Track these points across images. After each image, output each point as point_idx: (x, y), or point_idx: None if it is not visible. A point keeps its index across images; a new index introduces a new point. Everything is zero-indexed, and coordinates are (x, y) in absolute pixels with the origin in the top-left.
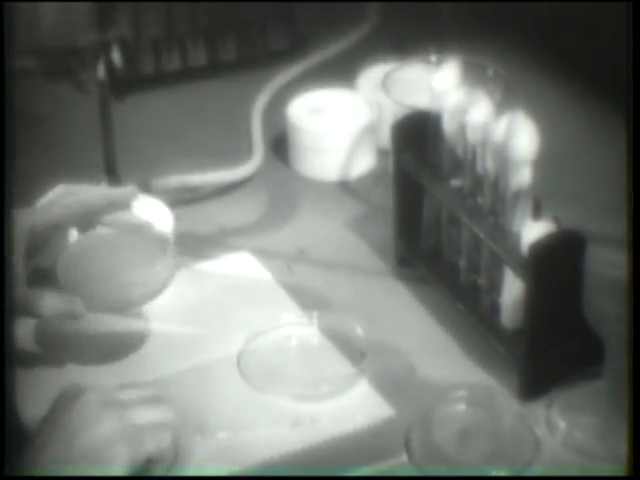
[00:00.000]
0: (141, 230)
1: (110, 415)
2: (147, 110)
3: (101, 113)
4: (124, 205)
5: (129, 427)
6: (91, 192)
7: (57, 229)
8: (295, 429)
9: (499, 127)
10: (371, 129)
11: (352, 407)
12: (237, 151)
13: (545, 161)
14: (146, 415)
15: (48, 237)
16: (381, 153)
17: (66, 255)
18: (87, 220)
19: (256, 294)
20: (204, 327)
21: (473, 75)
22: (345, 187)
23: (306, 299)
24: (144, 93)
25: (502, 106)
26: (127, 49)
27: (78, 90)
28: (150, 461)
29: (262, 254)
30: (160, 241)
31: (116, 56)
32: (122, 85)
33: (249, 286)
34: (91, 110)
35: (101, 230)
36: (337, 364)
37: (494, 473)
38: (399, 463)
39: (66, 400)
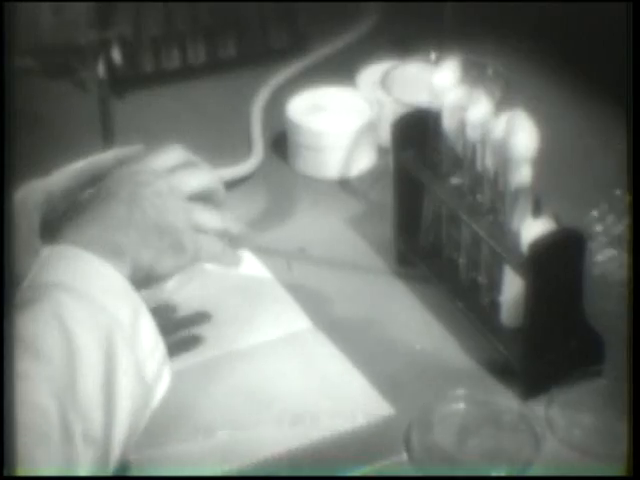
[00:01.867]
0: None
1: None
2: (147, 108)
3: (101, 111)
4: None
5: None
6: (100, 155)
7: (72, 193)
8: (295, 429)
9: (499, 125)
10: (371, 127)
11: (352, 406)
12: (237, 149)
13: (545, 159)
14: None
15: (64, 203)
16: (381, 151)
17: None
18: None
19: (256, 292)
20: (204, 325)
21: (473, 73)
22: (345, 185)
23: (306, 297)
24: (144, 91)
25: (502, 104)
26: (127, 47)
27: (78, 89)
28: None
29: (262, 252)
30: None
31: (116, 54)
32: (122, 83)
33: (249, 284)
34: (91, 108)
35: None
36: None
37: (494, 472)
38: (399, 462)
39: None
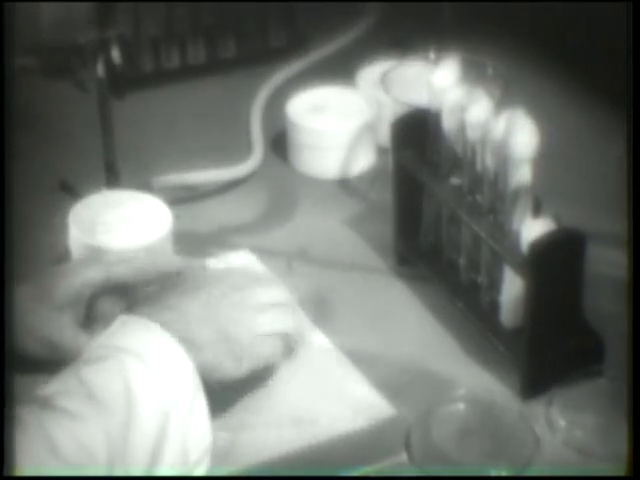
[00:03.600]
0: None
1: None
2: (147, 108)
3: (101, 111)
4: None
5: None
6: (166, 259)
7: (131, 285)
8: (295, 429)
9: (498, 125)
10: (371, 127)
11: (352, 407)
12: (237, 149)
13: (544, 159)
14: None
15: (118, 290)
16: (381, 151)
17: (141, 313)
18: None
19: None
20: None
21: (473, 73)
22: (345, 185)
23: (305, 297)
24: (144, 91)
25: (501, 104)
26: (127, 47)
27: (78, 88)
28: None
29: (262, 252)
30: None
31: (116, 54)
32: (122, 83)
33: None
34: (91, 108)
35: None
36: None
37: (494, 472)
38: (399, 463)
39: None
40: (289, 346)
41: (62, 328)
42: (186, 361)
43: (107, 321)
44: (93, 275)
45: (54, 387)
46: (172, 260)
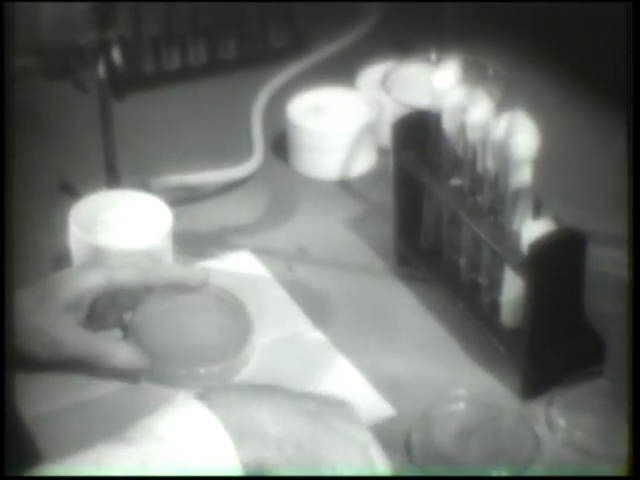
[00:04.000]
0: (225, 303)
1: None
2: (147, 109)
3: (101, 112)
4: (193, 288)
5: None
6: (168, 265)
7: (134, 292)
8: None
9: (499, 126)
10: (371, 128)
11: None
12: (237, 150)
13: (545, 160)
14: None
15: (122, 296)
16: (381, 152)
17: (143, 315)
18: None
19: (256, 293)
20: None
21: (473, 74)
22: (345, 186)
23: (306, 298)
24: (144, 92)
25: (502, 105)
26: (127, 48)
27: (78, 89)
28: None
29: (262, 253)
30: (243, 320)
31: (116, 55)
32: (122, 84)
33: (249, 285)
34: (91, 109)
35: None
36: None
37: (494, 472)
38: (399, 463)
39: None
40: None
41: (65, 330)
42: (235, 464)
43: (107, 322)
44: (97, 279)
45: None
46: (174, 265)
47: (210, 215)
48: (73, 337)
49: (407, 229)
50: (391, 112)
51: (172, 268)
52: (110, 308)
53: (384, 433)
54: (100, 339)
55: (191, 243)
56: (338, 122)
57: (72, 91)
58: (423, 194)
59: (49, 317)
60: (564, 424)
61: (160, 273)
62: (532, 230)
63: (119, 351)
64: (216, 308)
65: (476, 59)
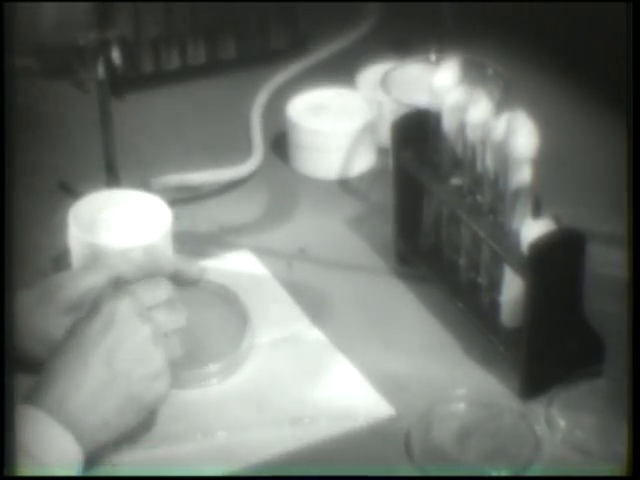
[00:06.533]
0: (222, 298)
1: (146, 326)
2: (147, 109)
3: (101, 112)
4: (189, 282)
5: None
6: (165, 258)
7: (129, 283)
8: (295, 429)
9: (499, 125)
10: (371, 127)
11: (352, 407)
12: (237, 149)
13: (545, 160)
14: (169, 321)
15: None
16: (381, 152)
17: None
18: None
19: (256, 292)
20: None
21: (473, 73)
22: (345, 185)
23: (306, 297)
24: (144, 92)
25: (502, 104)
26: (127, 48)
27: (78, 89)
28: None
29: (262, 252)
30: (240, 314)
31: (116, 55)
32: (122, 84)
33: (249, 284)
34: (91, 109)
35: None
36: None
37: (494, 472)
38: (399, 462)
39: (100, 311)
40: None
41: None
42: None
43: None
44: (97, 279)
45: None
46: (172, 258)
47: (210, 215)
48: None
49: (407, 229)
50: (391, 112)
51: (169, 262)
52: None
53: (384, 433)
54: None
55: (191, 243)
56: (338, 122)
57: (72, 91)
58: (423, 194)
59: (50, 318)
60: (564, 424)
61: (158, 267)
62: (532, 230)
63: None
64: (213, 304)
65: (476, 59)
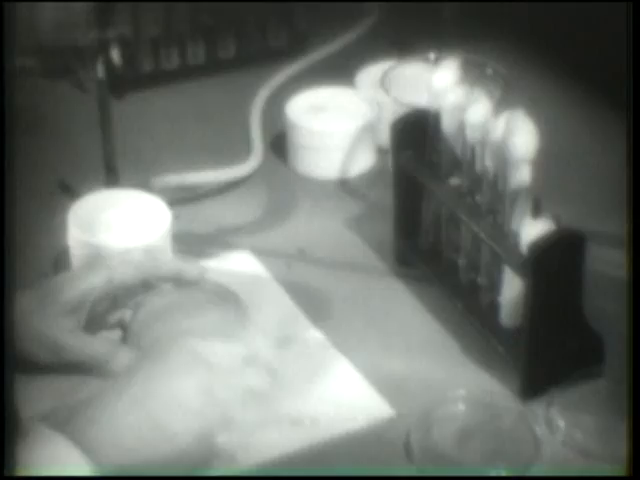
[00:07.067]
0: (222, 298)
1: (198, 371)
2: (146, 109)
3: (100, 112)
4: (191, 282)
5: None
6: (165, 258)
7: (132, 290)
8: (295, 429)
9: (498, 126)
10: (370, 127)
11: (352, 407)
12: (236, 150)
13: (545, 159)
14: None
15: (112, 295)
16: (380, 152)
17: (143, 314)
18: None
19: (255, 293)
20: None
21: (472, 73)
22: (344, 186)
23: (305, 298)
24: (143, 92)
25: (501, 104)
26: (126, 48)
27: (78, 89)
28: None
29: (261, 252)
30: (240, 314)
31: (115, 55)
32: (121, 84)
33: (248, 285)
34: (91, 108)
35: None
36: None
37: (494, 473)
38: (399, 463)
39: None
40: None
41: (65, 333)
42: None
43: (107, 323)
44: (96, 281)
45: None
46: (172, 262)
47: (209, 215)
48: (73, 341)
49: (406, 229)
50: (390, 112)
51: (169, 263)
52: (110, 308)
53: (384, 433)
54: (100, 343)
55: (190, 243)
56: (337, 122)
57: (72, 91)
58: (422, 194)
59: (50, 320)
60: (564, 424)
61: (157, 268)
62: (531, 230)
63: (118, 356)
64: (213, 304)
65: (475, 59)
